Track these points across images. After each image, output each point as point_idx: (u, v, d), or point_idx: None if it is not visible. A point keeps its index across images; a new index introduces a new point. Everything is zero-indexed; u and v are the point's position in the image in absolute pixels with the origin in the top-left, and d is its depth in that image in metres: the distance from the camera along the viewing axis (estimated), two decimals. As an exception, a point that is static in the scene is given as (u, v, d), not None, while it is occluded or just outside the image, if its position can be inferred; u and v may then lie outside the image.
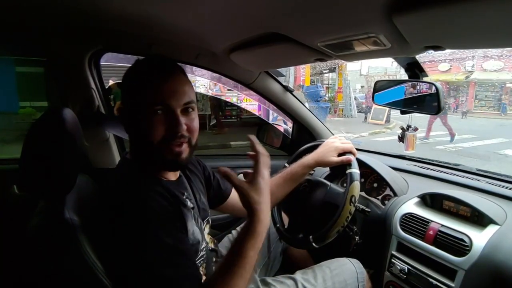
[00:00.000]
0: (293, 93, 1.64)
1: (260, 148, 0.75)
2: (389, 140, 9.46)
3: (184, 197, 0.83)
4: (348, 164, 1.06)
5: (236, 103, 9.13)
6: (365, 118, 12.86)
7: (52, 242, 0.73)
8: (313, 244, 1.03)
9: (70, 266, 0.72)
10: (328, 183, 1.14)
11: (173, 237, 0.68)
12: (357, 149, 1.63)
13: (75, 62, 1.18)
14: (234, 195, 1.13)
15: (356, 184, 1.01)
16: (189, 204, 0.84)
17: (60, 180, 0.75)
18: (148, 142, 0.73)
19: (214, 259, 0.97)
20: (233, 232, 1.28)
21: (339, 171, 1.34)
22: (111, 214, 0.69)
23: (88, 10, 0.90)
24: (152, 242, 0.65)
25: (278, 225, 1.19)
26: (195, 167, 1.01)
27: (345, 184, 1.05)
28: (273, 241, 1.25)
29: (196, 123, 0.79)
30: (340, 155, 1.12)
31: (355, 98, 16.32)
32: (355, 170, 1.04)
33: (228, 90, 8.34)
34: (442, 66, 20.75)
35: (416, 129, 1.55)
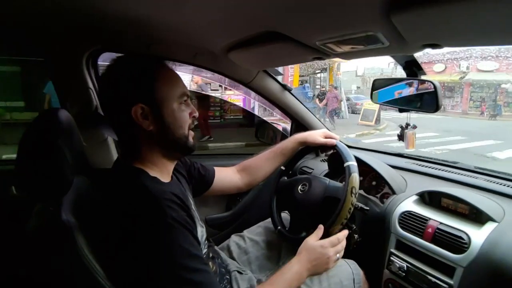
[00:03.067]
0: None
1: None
2: (375, 141, 9.39)
3: (187, 197, 0.86)
4: (345, 158, 1.07)
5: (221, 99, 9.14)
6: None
7: (49, 243, 0.73)
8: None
9: (68, 268, 0.72)
10: (327, 179, 1.15)
11: (193, 245, 0.70)
12: (356, 148, 1.65)
13: (72, 62, 1.18)
14: (217, 179, 1.17)
15: (355, 176, 1.01)
16: (192, 204, 0.85)
17: (57, 181, 0.75)
18: (180, 130, 0.81)
19: (210, 255, 0.97)
20: (233, 237, 1.26)
21: (337, 168, 1.34)
22: (124, 221, 0.68)
23: (86, 9, 0.89)
24: (176, 250, 0.67)
25: (279, 227, 1.18)
26: (178, 164, 1.01)
27: (343, 183, 1.05)
28: (284, 257, 1.22)
29: None
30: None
31: (348, 99, 16.08)
32: (352, 163, 1.05)
33: (212, 90, 8.37)
34: (437, 66, 20.64)
35: (415, 127, 1.56)
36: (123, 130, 0.81)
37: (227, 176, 1.21)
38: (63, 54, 1.16)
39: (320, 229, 0.99)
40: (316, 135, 1.23)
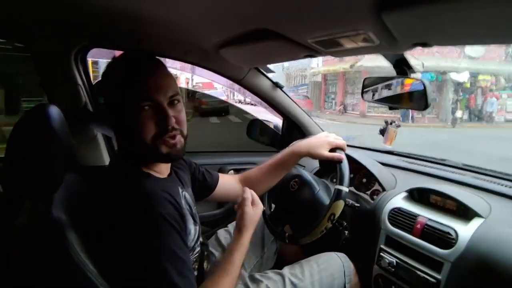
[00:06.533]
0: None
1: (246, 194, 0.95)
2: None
3: (182, 192, 0.85)
4: (339, 180, 1.03)
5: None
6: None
7: (40, 241, 0.72)
8: (287, 241, 1.07)
9: (58, 265, 0.71)
10: (317, 187, 1.14)
11: (180, 247, 0.69)
12: (347, 145, 1.66)
13: (61, 58, 1.16)
14: (220, 186, 1.15)
15: (340, 203, 0.99)
16: (185, 204, 0.84)
17: (47, 178, 0.73)
18: (140, 139, 0.73)
19: (205, 253, 0.98)
20: (219, 232, 1.27)
21: (329, 167, 1.35)
22: (113, 217, 0.68)
23: (75, 4, 0.87)
24: (162, 249, 0.66)
25: (264, 208, 1.21)
26: (181, 164, 1.01)
27: (334, 180, 1.06)
28: (268, 242, 1.26)
29: (183, 114, 0.80)
30: (331, 151, 1.10)
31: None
32: (344, 188, 1.01)
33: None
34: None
35: (398, 125, 1.58)
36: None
37: (230, 184, 1.18)
38: (50, 50, 1.14)
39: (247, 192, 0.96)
40: (322, 148, 1.09)
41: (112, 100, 0.76)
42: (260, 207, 0.95)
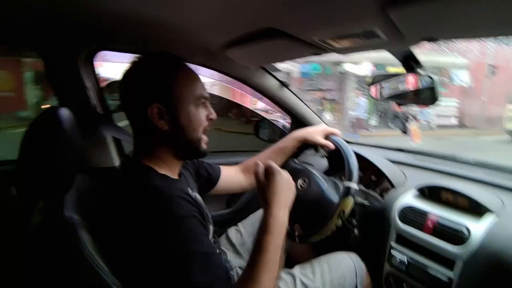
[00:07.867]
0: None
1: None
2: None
3: (192, 193, 0.86)
4: (348, 175, 1.04)
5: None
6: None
7: (52, 241, 0.74)
8: (297, 240, 1.08)
9: (71, 264, 0.72)
10: (326, 185, 1.14)
11: (206, 244, 0.70)
12: (355, 143, 1.65)
13: (69, 61, 1.17)
14: (223, 178, 1.17)
15: (350, 200, 1.00)
16: (201, 201, 0.85)
17: (59, 180, 0.75)
18: (194, 132, 0.81)
19: (217, 251, 0.98)
20: (229, 230, 1.27)
21: (336, 165, 1.35)
22: (132, 220, 0.69)
23: (82, 8, 0.89)
24: (189, 250, 0.66)
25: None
26: (187, 163, 1.02)
27: (343, 178, 1.06)
28: None
29: None
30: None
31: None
32: (353, 185, 1.01)
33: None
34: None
35: (414, 118, 1.55)
36: (138, 128, 0.82)
37: (231, 175, 1.21)
38: (59, 53, 1.16)
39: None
40: (316, 134, 1.22)
41: (167, 100, 0.78)
42: (276, 173, 0.81)
